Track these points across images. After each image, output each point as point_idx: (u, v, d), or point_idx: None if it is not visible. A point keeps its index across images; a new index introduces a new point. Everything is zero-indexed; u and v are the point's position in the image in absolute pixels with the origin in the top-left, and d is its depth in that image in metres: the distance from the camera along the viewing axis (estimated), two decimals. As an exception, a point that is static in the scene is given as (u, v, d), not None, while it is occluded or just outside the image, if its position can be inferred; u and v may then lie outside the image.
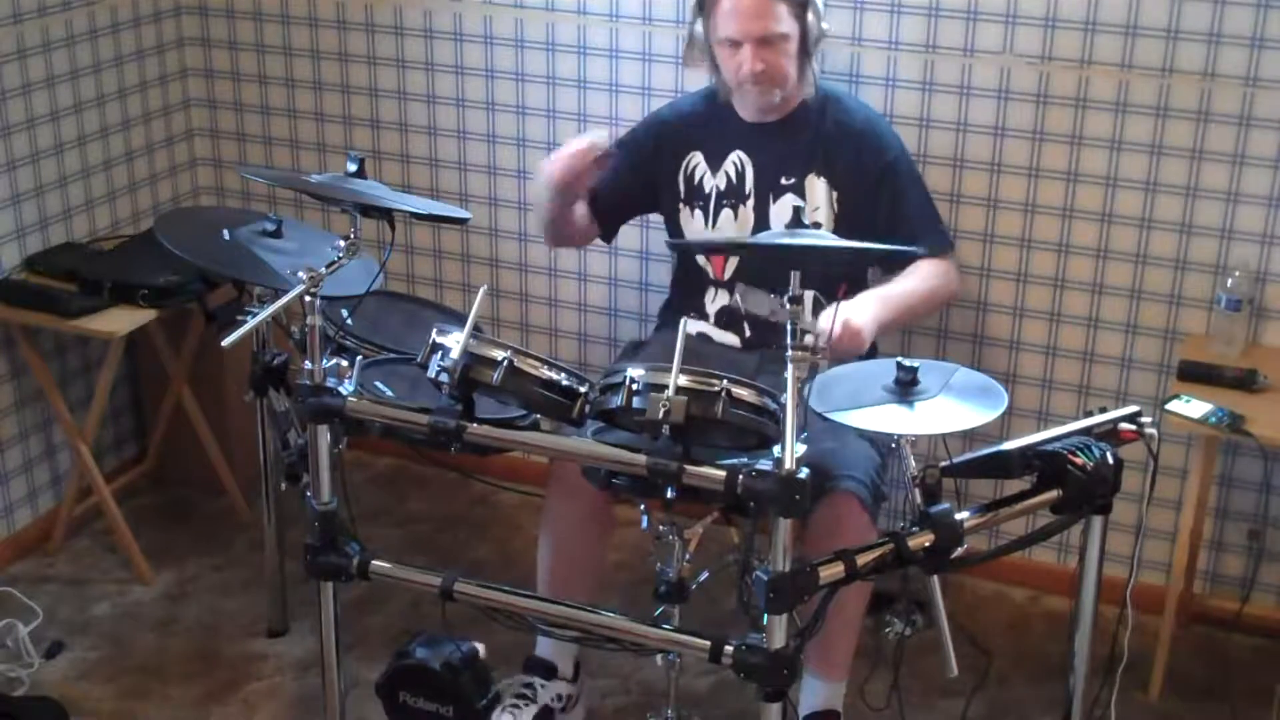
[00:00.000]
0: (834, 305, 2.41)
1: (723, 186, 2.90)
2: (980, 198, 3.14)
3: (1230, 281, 2.93)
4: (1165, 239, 3.04)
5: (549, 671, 2.78)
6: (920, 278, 2.79)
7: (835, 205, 2.85)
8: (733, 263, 2.89)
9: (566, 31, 3.35)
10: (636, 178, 2.96)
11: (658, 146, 2.97)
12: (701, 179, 2.92)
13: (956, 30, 3.05)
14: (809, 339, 2.06)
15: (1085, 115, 3.01)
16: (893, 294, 2.71)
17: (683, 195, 2.94)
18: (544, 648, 2.80)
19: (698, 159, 2.92)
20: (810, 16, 2.76)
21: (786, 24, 2.72)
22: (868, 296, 2.66)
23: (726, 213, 2.89)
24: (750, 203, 2.88)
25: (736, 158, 2.89)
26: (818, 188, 2.86)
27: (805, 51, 2.78)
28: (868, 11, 3.09)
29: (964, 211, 3.16)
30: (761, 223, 2.87)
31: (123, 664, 3.05)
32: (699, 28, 2.80)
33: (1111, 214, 3.06)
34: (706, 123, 2.92)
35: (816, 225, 2.81)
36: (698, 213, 2.92)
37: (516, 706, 2.71)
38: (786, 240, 2.22)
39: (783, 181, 2.85)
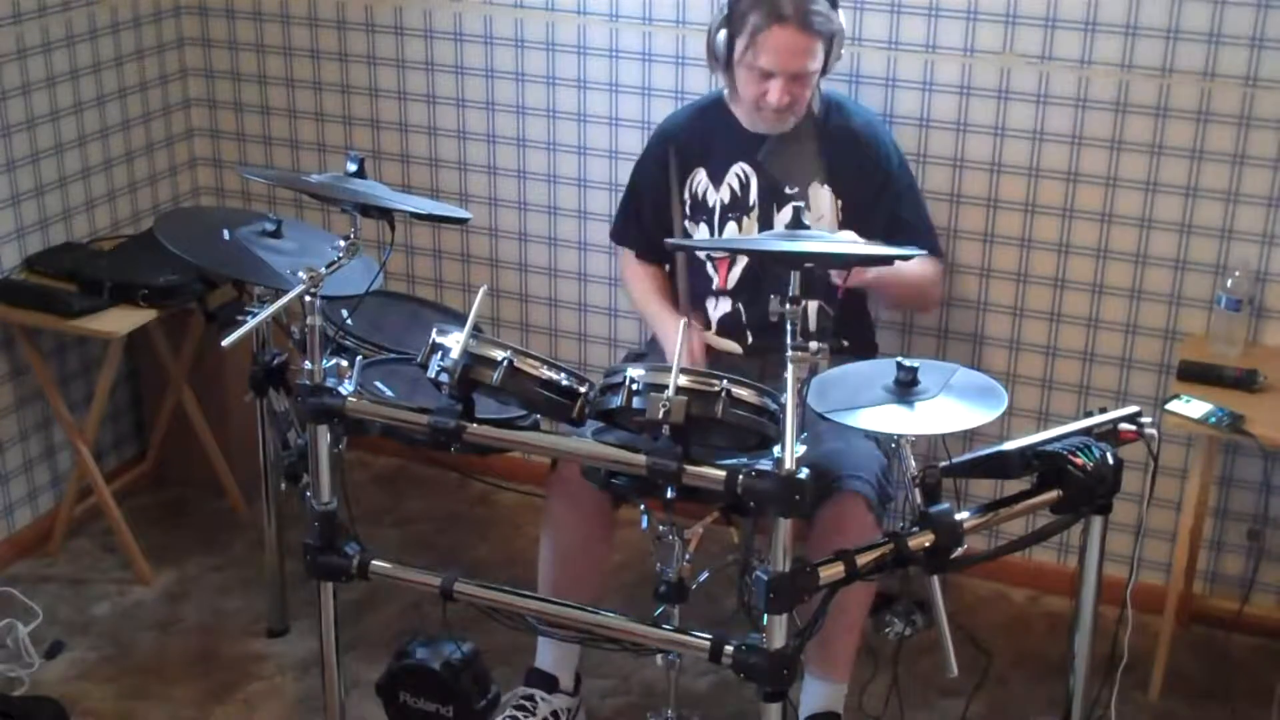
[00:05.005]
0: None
1: (726, 200, 2.89)
2: (980, 198, 3.14)
3: (1230, 281, 2.93)
4: (1165, 239, 3.04)
5: (550, 684, 2.77)
6: (915, 262, 2.80)
7: (839, 214, 2.86)
8: (736, 271, 2.89)
9: (566, 31, 3.35)
10: (663, 200, 2.95)
11: (663, 166, 2.95)
12: (705, 194, 2.91)
13: (956, 30, 3.05)
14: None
15: (1085, 115, 3.01)
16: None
17: (688, 212, 2.94)
18: (545, 660, 2.79)
19: (701, 175, 2.91)
20: (834, 45, 2.76)
21: (818, 59, 2.73)
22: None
23: (731, 226, 2.89)
24: (755, 214, 2.88)
25: (740, 169, 2.88)
26: (822, 197, 2.86)
27: (821, 75, 2.79)
28: (868, 11, 3.09)
29: (964, 211, 3.16)
30: (766, 226, 2.87)
31: (123, 664, 3.05)
32: (721, 36, 2.77)
33: (1111, 214, 3.06)
34: (709, 135, 2.91)
35: None
36: (703, 225, 2.92)
37: (516, 718, 2.71)
38: (784, 244, 2.21)
39: (787, 192, 2.85)
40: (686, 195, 2.93)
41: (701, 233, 2.92)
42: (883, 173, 2.88)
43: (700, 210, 2.92)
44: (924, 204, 2.98)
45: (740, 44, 2.72)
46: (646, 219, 2.99)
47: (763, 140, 2.85)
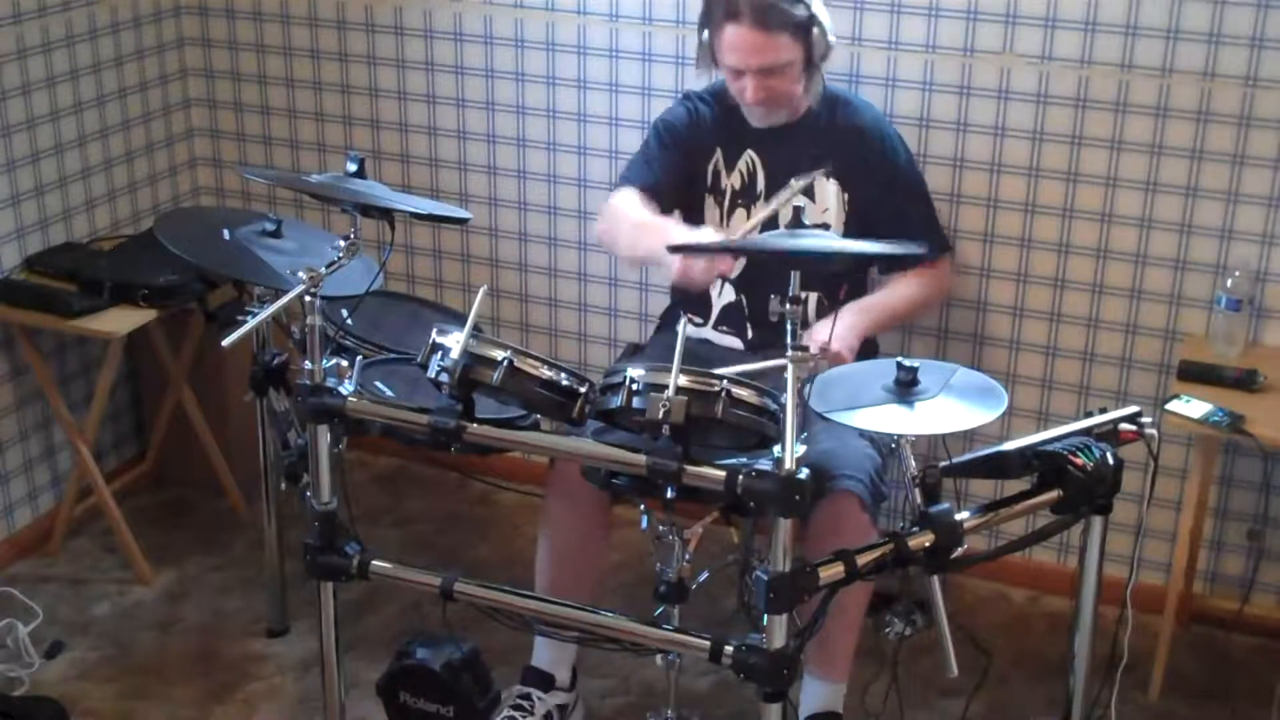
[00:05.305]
0: (829, 318, 2.44)
1: (737, 186, 2.90)
2: (980, 198, 3.14)
3: (1230, 281, 2.93)
4: (1165, 239, 3.04)
5: (547, 683, 2.77)
6: (907, 287, 2.88)
7: (845, 207, 2.86)
8: (740, 263, 2.89)
9: (566, 31, 3.35)
10: (684, 161, 2.92)
11: (688, 136, 2.94)
12: (720, 175, 2.92)
13: (956, 30, 3.05)
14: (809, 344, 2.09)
15: (1085, 115, 3.01)
16: (876, 304, 2.84)
17: (709, 185, 2.94)
18: (541, 658, 2.79)
19: (718, 155, 2.93)
20: (815, 33, 2.73)
21: (788, 52, 2.71)
22: (850, 309, 2.75)
23: (740, 212, 2.90)
24: (760, 203, 2.88)
25: (749, 158, 2.89)
26: (827, 190, 2.86)
27: (811, 65, 2.77)
28: (868, 11, 3.09)
29: (964, 211, 3.16)
30: (770, 224, 2.87)
31: (123, 664, 3.05)
32: (705, 36, 2.79)
33: (1111, 214, 3.06)
34: (721, 122, 2.92)
35: (825, 227, 2.82)
36: (715, 207, 2.93)
37: (513, 718, 2.71)
38: (787, 243, 2.21)
39: (792, 183, 2.85)
40: (709, 171, 2.93)
41: (713, 212, 2.92)
42: (890, 166, 2.89)
43: (716, 190, 2.92)
44: (930, 202, 2.97)
45: (713, 44, 2.75)
46: (666, 163, 2.90)
47: (767, 131, 2.86)
